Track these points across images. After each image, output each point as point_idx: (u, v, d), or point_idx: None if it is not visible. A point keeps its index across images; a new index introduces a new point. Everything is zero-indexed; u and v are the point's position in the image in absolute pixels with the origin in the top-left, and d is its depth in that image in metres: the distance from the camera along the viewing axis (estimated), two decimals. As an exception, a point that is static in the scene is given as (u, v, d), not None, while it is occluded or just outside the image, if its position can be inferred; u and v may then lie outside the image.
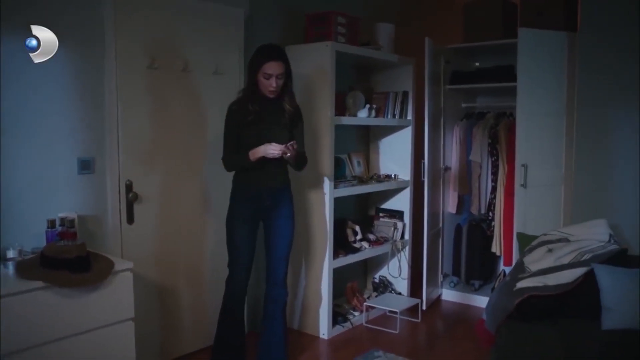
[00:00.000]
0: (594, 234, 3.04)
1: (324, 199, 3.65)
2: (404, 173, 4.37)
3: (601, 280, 2.72)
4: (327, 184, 3.64)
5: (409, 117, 4.33)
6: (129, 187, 3.05)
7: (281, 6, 3.79)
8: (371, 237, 4.27)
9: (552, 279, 2.80)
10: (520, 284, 2.85)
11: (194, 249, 3.42)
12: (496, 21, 4.20)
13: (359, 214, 4.52)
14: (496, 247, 4.35)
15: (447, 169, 4.59)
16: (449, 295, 4.60)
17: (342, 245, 3.95)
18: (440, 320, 4.21)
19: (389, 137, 4.45)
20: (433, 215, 4.34)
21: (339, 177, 3.96)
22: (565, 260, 2.89)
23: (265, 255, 3.18)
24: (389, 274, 4.45)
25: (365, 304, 4.08)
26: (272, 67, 2.86)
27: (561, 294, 2.75)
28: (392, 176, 4.37)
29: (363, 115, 4.01)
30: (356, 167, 4.30)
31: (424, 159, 4.13)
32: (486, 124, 4.41)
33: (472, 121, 4.54)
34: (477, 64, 4.67)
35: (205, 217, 3.44)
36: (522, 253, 3.20)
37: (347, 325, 3.91)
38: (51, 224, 2.59)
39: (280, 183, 3.08)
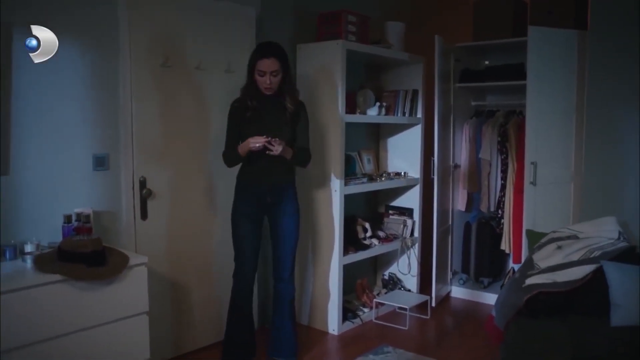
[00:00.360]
0: (603, 232, 3.05)
1: (334, 196, 3.68)
2: (414, 171, 4.39)
3: (610, 277, 2.72)
4: (337, 181, 3.66)
5: (419, 115, 4.35)
6: (142, 184, 3.10)
7: (292, 5, 3.82)
8: (381, 234, 4.29)
9: (562, 276, 2.81)
10: (530, 281, 2.86)
11: (204, 244, 3.46)
12: (506, 19, 4.20)
13: (369, 211, 4.55)
14: (505, 245, 4.35)
15: (456, 166, 4.60)
16: (458, 292, 4.62)
17: (352, 242, 3.98)
18: (449, 316, 4.23)
19: (399, 135, 4.47)
20: (442, 213, 4.35)
21: (349, 174, 3.99)
22: (575, 257, 2.90)
23: (271, 250, 3.22)
24: (399, 270, 4.47)
25: (375, 300, 4.11)
26: (265, 65, 2.88)
27: (570, 290, 2.76)
28: (402, 174, 4.39)
29: (373, 113, 4.04)
30: (366, 164, 4.33)
31: (433, 156, 4.15)
32: (496, 122, 4.42)
33: (482, 119, 4.55)
34: (486, 62, 4.67)
35: (213, 214, 3.48)
36: (532, 250, 3.21)
37: (357, 321, 3.94)
38: (67, 219, 2.66)
39: (282, 180, 3.09)
